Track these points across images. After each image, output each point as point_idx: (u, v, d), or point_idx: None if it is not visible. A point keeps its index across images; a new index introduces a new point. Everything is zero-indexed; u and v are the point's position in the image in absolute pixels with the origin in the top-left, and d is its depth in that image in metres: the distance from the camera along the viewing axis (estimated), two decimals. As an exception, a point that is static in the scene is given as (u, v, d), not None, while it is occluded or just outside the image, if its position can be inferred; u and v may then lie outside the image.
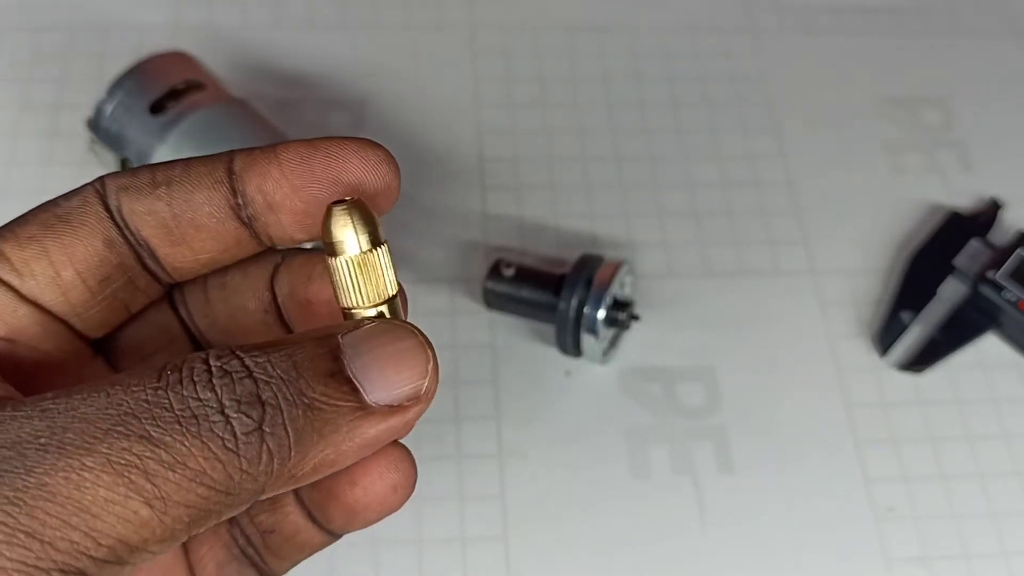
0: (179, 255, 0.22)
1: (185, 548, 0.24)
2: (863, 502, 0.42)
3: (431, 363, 0.20)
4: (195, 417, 0.17)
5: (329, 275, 0.21)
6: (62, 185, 0.51)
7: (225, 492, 0.18)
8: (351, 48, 0.54)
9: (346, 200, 0.21)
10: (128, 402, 0.17)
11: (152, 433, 0.17)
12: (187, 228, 0.22)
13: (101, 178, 0.22)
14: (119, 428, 0.17)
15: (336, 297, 0.21)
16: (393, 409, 0.20)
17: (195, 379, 0.18)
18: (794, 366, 0.45)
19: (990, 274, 0.45)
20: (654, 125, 0.53)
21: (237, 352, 0.19)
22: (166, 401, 0.18)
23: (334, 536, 0.25)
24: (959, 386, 0.45)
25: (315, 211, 0.21)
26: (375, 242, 0.21)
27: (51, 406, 0.18)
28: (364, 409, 0.19)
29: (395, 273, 0.21)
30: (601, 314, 0.42)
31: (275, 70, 0.53)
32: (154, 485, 0.17)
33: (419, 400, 0.20)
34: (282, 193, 0.21)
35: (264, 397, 0.18)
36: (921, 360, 0.45)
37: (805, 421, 0.44)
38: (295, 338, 0.20)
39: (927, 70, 0.56)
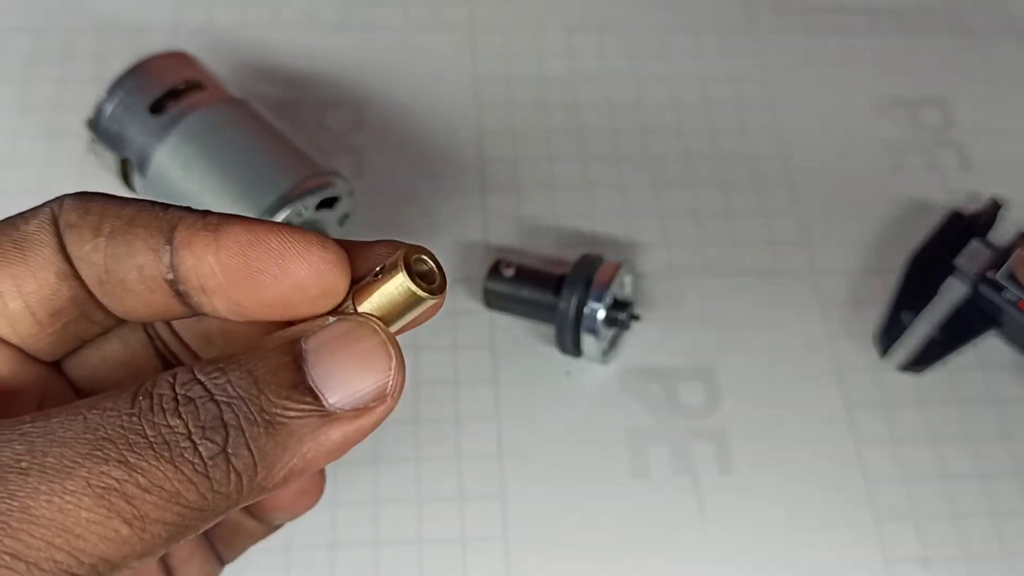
0: (111, 305, 0.22)
1: None
2: (863, 502, 0.42)
3: (394, 361, 0.20)
4: (167, 443, 0.18)
5: (375, 285, 0.21)
6: (62, 185, 0.51)
7: (200, 510, 0.18)
8: (351, 48, 0.54)
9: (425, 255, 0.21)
10: (104, 427, 0.18)
11: (129, 459, 0.18)
12: (116, 287, 0.21)
13: (61, 199, 0.21)
14: (97, 453, 0.18)
15: (353, 294, 0.21)
16: (359, 411, 0.20)
17: (164, 406, 0.18)
18: (794, 366, 0.45)
19: (990, 274, 0.45)
20: (654, 125, 0.53)
21: (199, 376, 0.19)
22: (140, 428, 0.18)
23: (271, 527, 0.27)
24: (959, 386, 0.45)
25: (247, 305, 0.21)
26: (432, 292, 0.21)
27: (30, 429, 0.18)
28: (327, 415, 0.19)
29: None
30: (601, 314, 0.42)
31: (275, 70, 0.53)
32: (132, 506, 0.18)
33: (384, 399, 0.20)
34: (215, 281, 0.21)
35: (227, 419, 0.19)
36: (921, 360, 0.45)
37: (805, 421, 0.44)
38: (261, 346, 0.20)
39: (927, 70, 0.56)
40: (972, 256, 0.47)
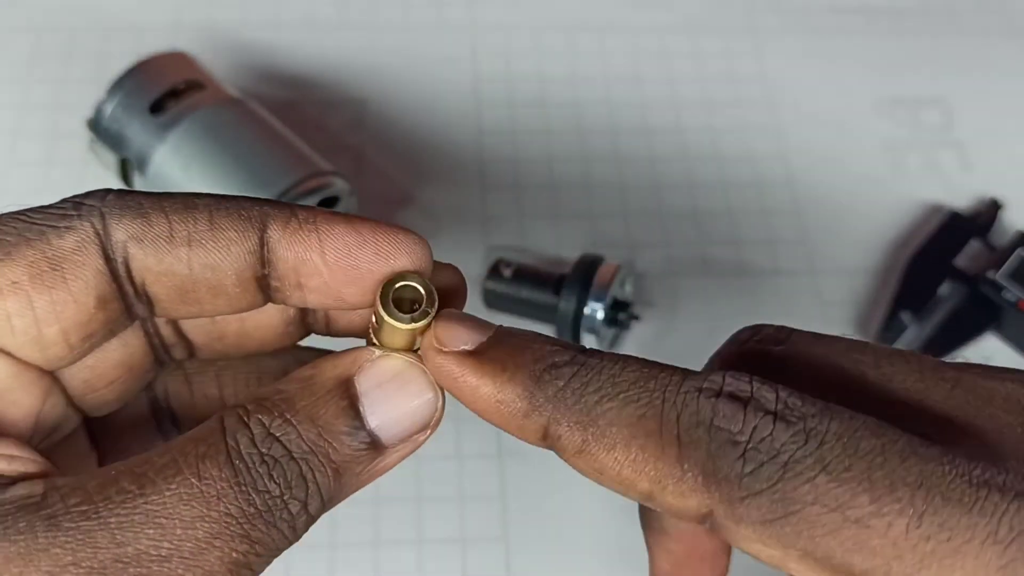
0: (185, 311, 0.21)
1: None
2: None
3: (440, 400, 0.21)
4: (270, 510, 0.19)
5: (379, 319, 0.21)
6: (62, 185, 0.51)
7: (283, 550, 0.20)
8: (351, 48, 0.54)
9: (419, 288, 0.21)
10: (223, 502, 0.19)
11: (251, 533, 0.19)
12: (203, 292, 0.21)
13: (98, 210, 0.20)
14: (226, 532, 0.19)
15: (376, 334, 0.21)
16: (405, 442, 0.21)
17: (260, 470, 0.19)
18: (794, 366, 0.45)
19: (990, 274, 0.45)
20: (654, 125, 0.53)
21: (272, 431, 0.20)
22: (251, 498, 0.19)
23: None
24: (959, 386, 0.45)
25: (350, 299, 0.21)
26: (415, 319, 0.21)
27: (152, 509, 0.18)
28: (380, 450, 0.21)
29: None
30: (601, 314, 0.42)
31: (275, 70, 0.53)
32: (252, 571, 0.20)
33: (426, 430, 0.21)
34: (319, 280, 0.21)
35: (304, 474, 0.20)
36: (921, 360, 0.45)
37: (805, 421, 0.44)
38: (314, 386, 0.20)
39: (927, 70, 0.56)
40: (972, 256, 0.47)
